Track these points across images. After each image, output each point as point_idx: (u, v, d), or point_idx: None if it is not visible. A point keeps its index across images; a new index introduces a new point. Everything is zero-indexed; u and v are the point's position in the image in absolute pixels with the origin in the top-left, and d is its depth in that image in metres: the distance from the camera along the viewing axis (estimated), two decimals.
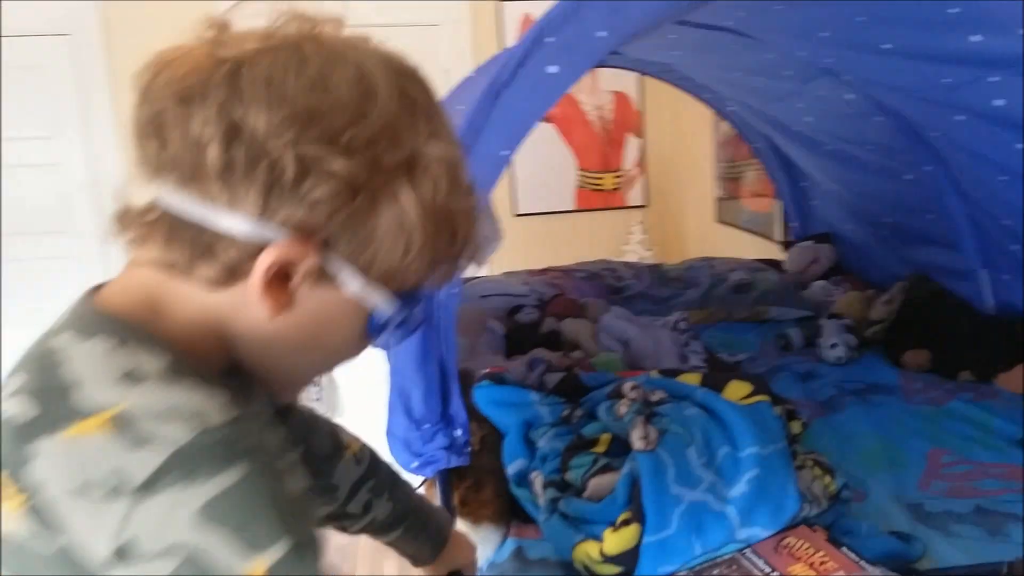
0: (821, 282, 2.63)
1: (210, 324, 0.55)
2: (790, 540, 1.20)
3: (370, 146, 0.52)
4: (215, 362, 0.56)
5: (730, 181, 3.73)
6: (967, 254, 2.14)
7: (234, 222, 0.51)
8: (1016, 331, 1.94)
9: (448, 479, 1.51)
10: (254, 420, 0.54)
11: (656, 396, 1.56)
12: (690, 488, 1.28)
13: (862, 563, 1.14)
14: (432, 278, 0.60)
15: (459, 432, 1.51)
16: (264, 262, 0.52)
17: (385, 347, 0.63)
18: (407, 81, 0.56)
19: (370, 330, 0.59)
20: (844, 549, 1.17)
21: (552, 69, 1.28)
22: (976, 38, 1.44)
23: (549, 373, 1.83)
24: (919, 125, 2.01)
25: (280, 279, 0.53)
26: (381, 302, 0.57)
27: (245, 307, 0.54)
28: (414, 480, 1.55)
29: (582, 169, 4.31)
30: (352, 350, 0.62)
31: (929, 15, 1.47)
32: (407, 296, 0.59)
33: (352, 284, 0.55)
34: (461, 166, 0.58)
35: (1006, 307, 2.03)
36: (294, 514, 0.49)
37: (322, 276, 0.54)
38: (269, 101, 0.50)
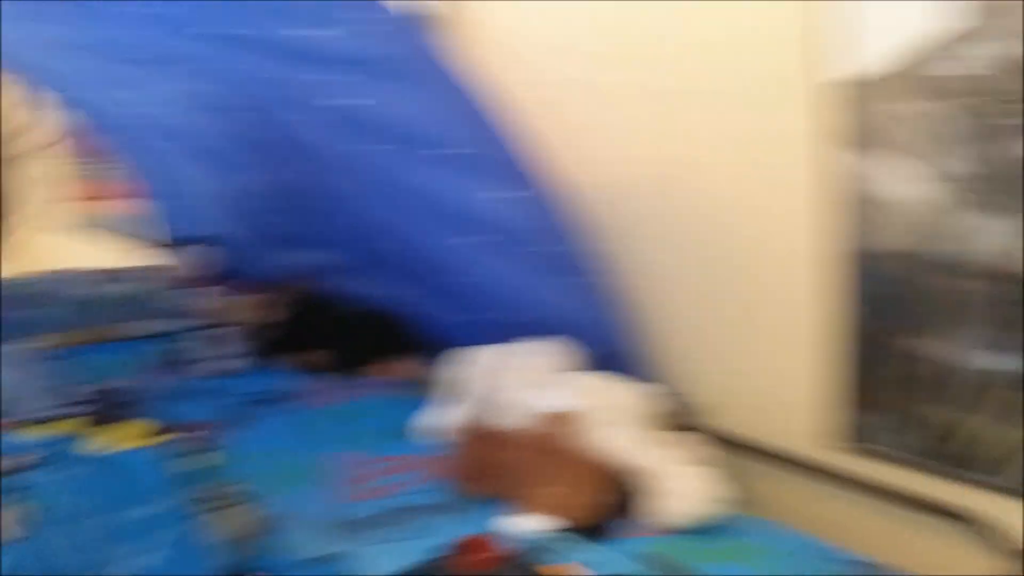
0: (209, 288, 2.48)
1: None
2: None
3: None
4: None
5: (87, 180, 3.32)
6: (342, 253, 2.23)
7: None
8: (391, 324, 2.09)
9: None
10: None
11: (24, 460, 1.23)
12: (90, 572, 1.01)
13: None
14: None
15: None
16: None
17: None
18: None
19: None
20: None
21: None
22: (332, 33, 1.41)
23: None
24: (286, 124, 1.98)
25: None
26: None
27: None
28: None
29: None
30: None
31: (289, 7, 1.39)
32: None
33: None
34: None
35: (377, 302, 2.17)
36: None
37: None
38: None
